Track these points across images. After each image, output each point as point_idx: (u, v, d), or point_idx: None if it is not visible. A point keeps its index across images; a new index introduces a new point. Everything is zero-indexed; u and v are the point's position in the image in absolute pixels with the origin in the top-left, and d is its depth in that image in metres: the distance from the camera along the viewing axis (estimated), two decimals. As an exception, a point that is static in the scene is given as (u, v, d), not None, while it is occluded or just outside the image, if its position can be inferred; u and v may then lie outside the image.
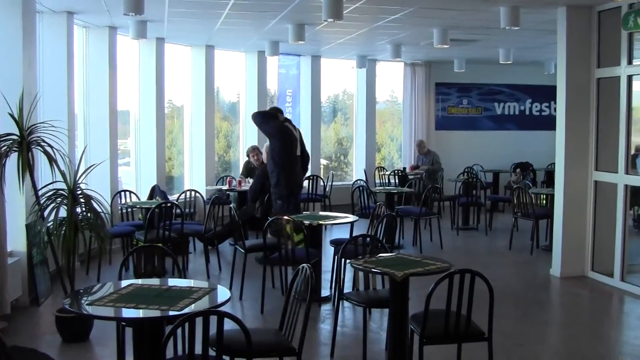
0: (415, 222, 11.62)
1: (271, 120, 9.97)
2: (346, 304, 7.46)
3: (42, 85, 9.36)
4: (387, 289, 6.18)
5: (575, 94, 9.44)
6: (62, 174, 6.72)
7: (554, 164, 10.23)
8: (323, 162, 17.69)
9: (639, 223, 12.07)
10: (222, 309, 4.28)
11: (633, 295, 8.57)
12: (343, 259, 6.93)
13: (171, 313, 4.27)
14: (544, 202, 12.52)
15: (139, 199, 11.43)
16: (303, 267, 4.96)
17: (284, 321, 5.04)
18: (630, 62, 8.84)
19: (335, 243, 8.65)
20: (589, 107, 9.43)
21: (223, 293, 4.80)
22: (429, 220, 12.41)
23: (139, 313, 4.33)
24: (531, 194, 11.60)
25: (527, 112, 18.14)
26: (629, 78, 8.85)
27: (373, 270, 5.50)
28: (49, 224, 6.73)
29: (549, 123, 17.27)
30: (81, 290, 5.08)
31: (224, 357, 4.22)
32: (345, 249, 6.57)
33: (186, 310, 4.26)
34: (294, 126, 10.30)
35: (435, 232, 11.95)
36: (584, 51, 9.41)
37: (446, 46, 11.75)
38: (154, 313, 4.30)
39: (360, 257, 6.06)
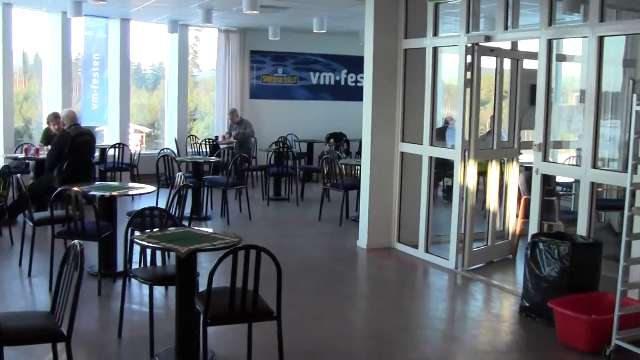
0: (223, 192, 11.24)
1: None
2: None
3: None
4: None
5: (383, 65, 9.31)
6: None
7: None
8: (145, 129, 17.02)
9: (449, 194, 12.28)
10: None
11: (436, 266, 8.60)
12: (130, 233, 6.42)
13: None
14: (358, 172, 12.48)
15: None
16: (74, 244, 4.47)
17: (56, 303, 4.54)
18: (435, 34, 8.80)
19: (130, 215, 8.14)
20: (396, 78, 9.35)
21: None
22: (240, 190, 12.07)
23: None
24: (341, 164, 11.51)
25: (343, 83, 18.14)
26: (435, 50, 8.82)
27: (154, 245, 5.07)
28: None
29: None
30: None
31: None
32: (132, 222, 6.09)
33: None
34: None
35: (245, 202, 11.61)
36: (392, 21, 9.29)
37: (255, 12, 11.37)
38: None
39: (147, 230, 5.63)
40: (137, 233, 5.82)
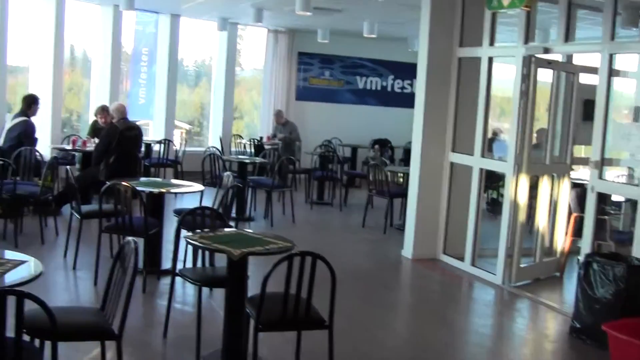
0: (268, 194, 11.17)
1: None
2: (187, 278, 6.98)
3: None
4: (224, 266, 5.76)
5: (436, 73, 9.19)
6: None
7: (413, 142, 10.06)
8: (185, 126, 17.05)
9: (492, 207, 12.12)
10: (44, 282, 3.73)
11: (482, 280, 8.44)
12: (180, 232, 6.35)
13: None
14: (401, 180, 12.36)
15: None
16: (128, 241, 4.42)
17: (107, 301, 4.49)
18: (492, 44, 8.66)
19: (179, 213, 8.10)
20: (449, 87, 9.22)
21: (34, 267, 4.18)
22: (283, 192, 12.01)
23: None
24: (387, 171, 11.39)
25: (389, 89, 18.03)
26: (490, 60, 8.67)
27: (208, 247, 5.01)
28: None
29: (410, 101, 17.08)
30: None
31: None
32: (184, 220, 6.03)
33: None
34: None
35: (288, 205, 11.55)
36: (447, 29, 9.16)
37: (308, 13, 11.32)
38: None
39: (199, 230, 5.57)
40: (185, 232, 5.76)
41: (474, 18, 8.94)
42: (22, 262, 4.21)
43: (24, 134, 10.27)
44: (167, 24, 15.14)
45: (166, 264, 7.84)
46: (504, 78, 8.39)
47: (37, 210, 9.73)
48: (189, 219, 6.00)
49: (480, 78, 8.74)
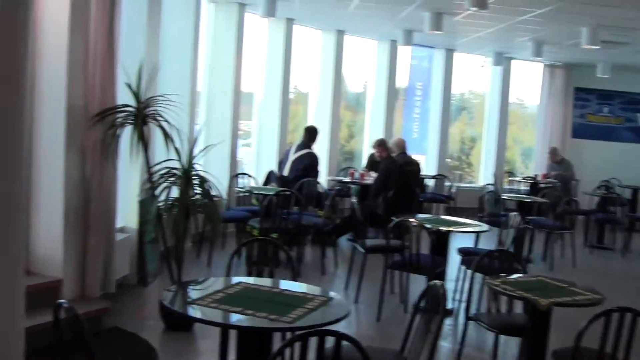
0: (547, 235, 10.70)
1: None
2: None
3: (166, 60, 8.78)
4: (521, 313, 5.52)
5: None
6: (177, 151, 6.25)
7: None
8: (448, 160, 17.04)
9: None
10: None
11: None
12: (475, 275, 6.14)
13: (281, 325, 3.72)
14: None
15: (257, 183, 11.11)
16: (435, 284, 4.30)
17: (406, 343, 4.41)
18: None
19: (463, 252, 7.92)
20: None
21: (340, 305, 4.20)
22: (562, 234, 11.47)
23: (245, 320, 3.82)
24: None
25: (673, 126, 16.85)
26: None
27: (511, 293, 4.78)
28: (159, 204, 6.31)
29: (696, 140, 16.01)
30: (187, 283, 4.66)
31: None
32: (481, 263, 5.83)
33: (298, 324, 3.70)
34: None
35: (567, 247, 11.00)
36: None
37: (596, 47, 10.84)
38: (262, 322, 3.74)
39: (496, 275, 5.34)
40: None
41: None
42: (329, 299, 4.23)
43: (310, 166, 10.63)
44: (442, 59, 15.20)
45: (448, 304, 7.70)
46: None
47: (315, 241, 10.03)
48: (486, 261, 5.78)
49: None
